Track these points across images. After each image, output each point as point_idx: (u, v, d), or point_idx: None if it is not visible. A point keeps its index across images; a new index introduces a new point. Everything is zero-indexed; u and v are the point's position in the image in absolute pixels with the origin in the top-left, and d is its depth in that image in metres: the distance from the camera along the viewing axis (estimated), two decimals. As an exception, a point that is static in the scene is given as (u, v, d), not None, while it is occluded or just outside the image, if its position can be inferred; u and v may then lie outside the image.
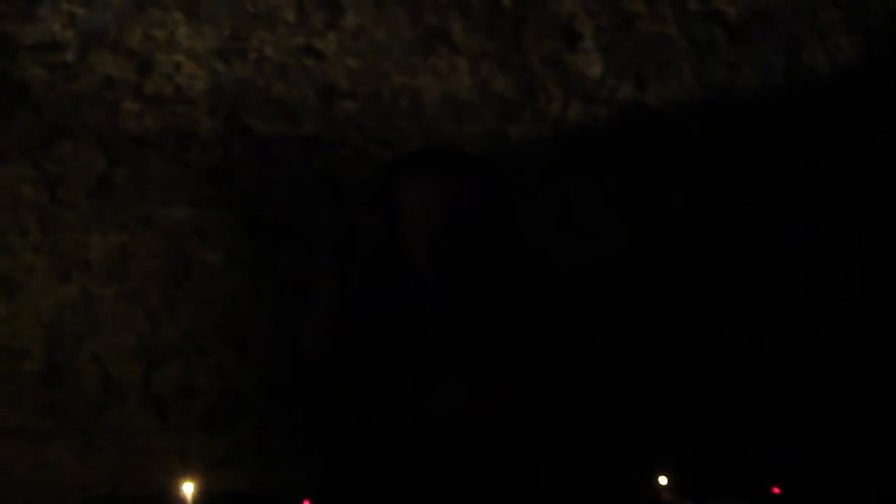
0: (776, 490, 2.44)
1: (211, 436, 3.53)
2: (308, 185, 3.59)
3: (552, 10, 3.70)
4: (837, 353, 3.62)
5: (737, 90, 3.75)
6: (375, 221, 2.54)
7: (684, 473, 2.43)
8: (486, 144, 3.64)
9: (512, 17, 3.69)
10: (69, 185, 3.52)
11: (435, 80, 3.65)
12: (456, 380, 2.51)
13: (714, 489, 2.42)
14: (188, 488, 2.23)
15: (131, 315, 3.53)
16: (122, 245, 3.53)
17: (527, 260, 2.62)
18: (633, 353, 3.59)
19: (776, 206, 3.72)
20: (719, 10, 3.77)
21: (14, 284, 3.48)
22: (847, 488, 2.59)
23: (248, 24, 3.60)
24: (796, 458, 3.30)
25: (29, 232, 3.50)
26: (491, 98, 3.67)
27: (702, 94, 3.74)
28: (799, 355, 3.61)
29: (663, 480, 2.42)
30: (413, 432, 2.53)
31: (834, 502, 2.50)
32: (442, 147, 3.30)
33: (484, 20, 3.68)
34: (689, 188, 3.71)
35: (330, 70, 3.63)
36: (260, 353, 3.54)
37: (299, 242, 3.52)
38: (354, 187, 3.52)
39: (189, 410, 3.55)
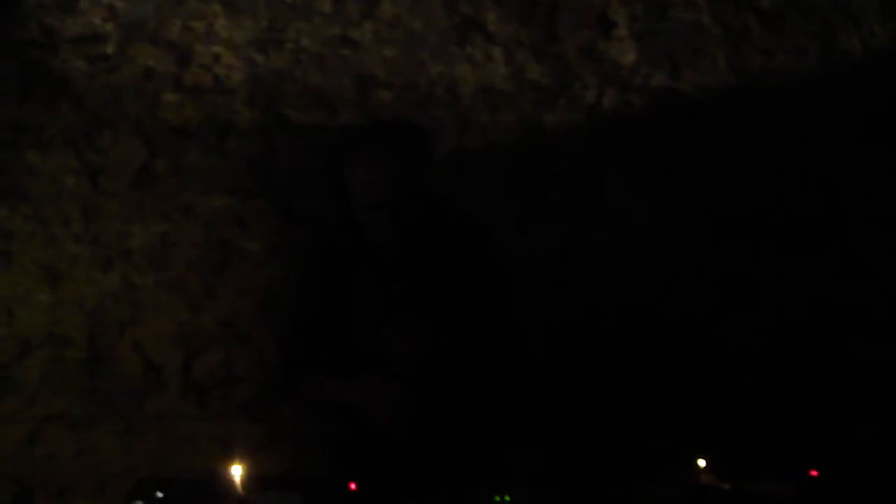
0: (814, 473, 2.44)
1: (251, 422, 3.56)
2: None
3: (586, -2, 3.72)
4: (876, 338, 3.61)
5: (770, 77, 3.75)
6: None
7: (722, 456, 2.44)
8: (522, 132, 3.67)
9: (546, 6, 3.71)
10: (111, 176, 3.56)
11: (470, 69, 3.67)
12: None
13: (752, 472, 2.42)
14: (237, 471, 2.26)
15: (172, 303, 3.57)
16: (162, 234, 3.58)
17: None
18: (669, 338, 3.60)
19: (809, 193, 3.72)
20: (752, -4, 3.78)
21: (57, 273, 3.53)
22: (884, 471, 2.59)
23: (285, 14, 3.63)
24: (834, 441, 3.30)
25: (71, 222, 3.54)
26: (526, 86, 3.69)
27: (735, 81, 3.73)
28: (837, 340, 3.61)
29: (702, 463, 2.43)
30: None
31: (871, 485, 2.50)
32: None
33: (518, 9, 3.69)
34: (723, 175, 3.71)
35: (366, 60, 3.65)
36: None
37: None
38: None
39: (229, 397, 3.58)
